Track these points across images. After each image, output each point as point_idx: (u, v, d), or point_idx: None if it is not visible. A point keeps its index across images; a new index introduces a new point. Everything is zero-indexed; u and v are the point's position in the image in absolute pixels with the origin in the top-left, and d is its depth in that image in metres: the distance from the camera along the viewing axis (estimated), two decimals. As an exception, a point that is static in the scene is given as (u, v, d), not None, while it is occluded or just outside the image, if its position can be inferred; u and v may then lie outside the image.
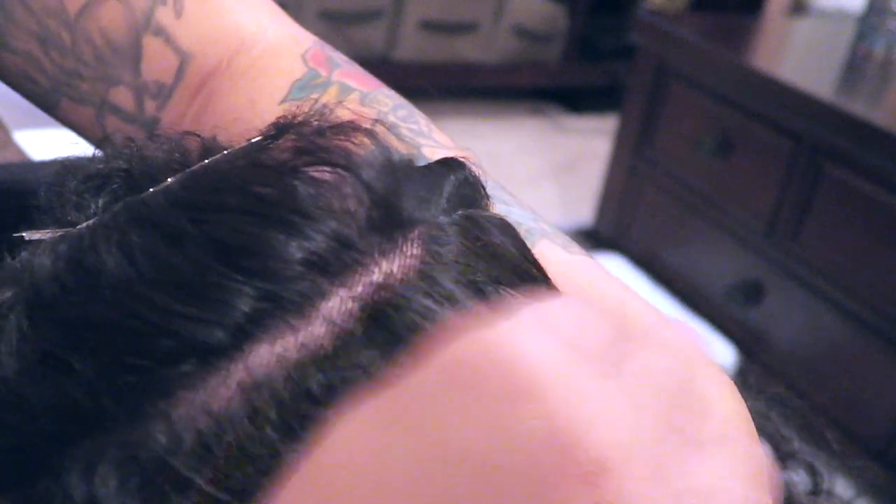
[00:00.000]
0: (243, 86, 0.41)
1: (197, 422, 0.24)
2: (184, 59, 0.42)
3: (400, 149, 0.30)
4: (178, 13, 0.42)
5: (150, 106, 0.42)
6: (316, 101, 0.40)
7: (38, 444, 0.25)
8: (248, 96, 0.41)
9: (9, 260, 0.28)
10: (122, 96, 0.42)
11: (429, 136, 0.39)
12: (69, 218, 0.29)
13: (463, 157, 0.31)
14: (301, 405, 0.24)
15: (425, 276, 0.26)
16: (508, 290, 0.27)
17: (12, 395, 0.25)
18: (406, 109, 0.41)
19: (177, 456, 0.23)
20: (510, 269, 0.28)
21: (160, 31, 0.42)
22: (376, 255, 0.26)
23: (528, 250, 0.30)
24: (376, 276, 0.25)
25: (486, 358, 0.21)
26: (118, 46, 0.42)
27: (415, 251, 0.26)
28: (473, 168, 0.31)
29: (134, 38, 0.42)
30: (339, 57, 0.43)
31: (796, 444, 0.39)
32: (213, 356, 0.24)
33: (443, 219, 0.28)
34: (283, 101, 0.40)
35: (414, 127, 0.39)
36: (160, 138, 0.31)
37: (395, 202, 0.27)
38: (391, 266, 0.26)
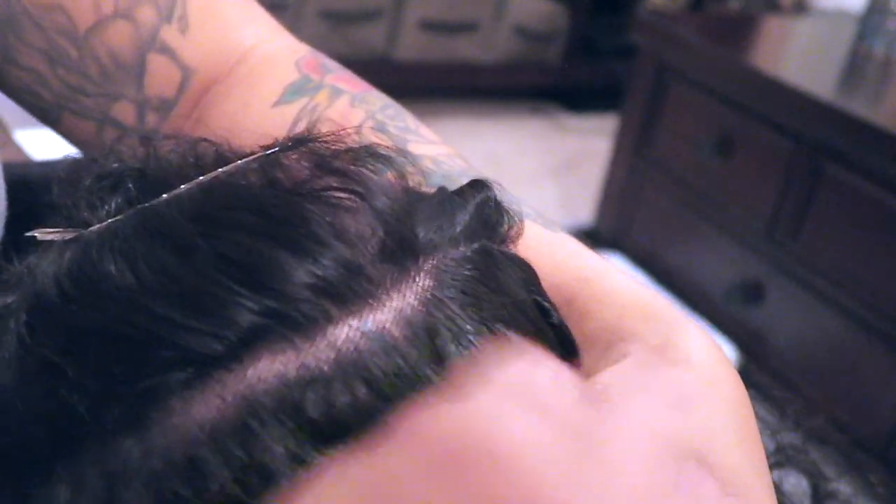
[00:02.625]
0: (238, 93, 0.42)
1: (189, 434, 0.23)
2: (186, 75, 0.43)
3: (414, 175, 0.30)
4: (183, 30, 0.43)
5: (151, 119, 0.43)
6: (310, 101, 0.40)
7: (30, 452, 0.25)
8: (243, 100, 0.42)
9: (16, 265, 0.28)
10: (125, 111, 0.43)
11: (416, 133, 0.39)
12: (82, 216, 0.28)
13: (486, 178, 0.31)
14: (294, 424, 0.23)
15: (436, 308, 0.25)
16: (513, 330, 0.26)
17: (7, 400, 0.25)
18: (394, 109, 0.41)
19: (167, 468, 0.23)
20: (516, 308, 0.27)
21: (165, 49, 0.43)
22: (388, 285, 0.25)
23: (540, 286, 0.30)
24: (387, 308, 0.25)
25: (464, 439, 0.20)
26: (123, 63, 0.42)
27: (427, 283, 0.26)
28: (496, 188, 0.31)
29: (139, 55, 0.43)
30: (332, 63, 0.43)
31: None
32: (209, 367, 0.24)
33: (457, 250, 0.27)
34: (276, 105, 0.41)
35: (401, 124, 0.40)
36: (176, 139, 0.31)
37: (408, 232, 0.27)
38: (402, 297, 0.25)
